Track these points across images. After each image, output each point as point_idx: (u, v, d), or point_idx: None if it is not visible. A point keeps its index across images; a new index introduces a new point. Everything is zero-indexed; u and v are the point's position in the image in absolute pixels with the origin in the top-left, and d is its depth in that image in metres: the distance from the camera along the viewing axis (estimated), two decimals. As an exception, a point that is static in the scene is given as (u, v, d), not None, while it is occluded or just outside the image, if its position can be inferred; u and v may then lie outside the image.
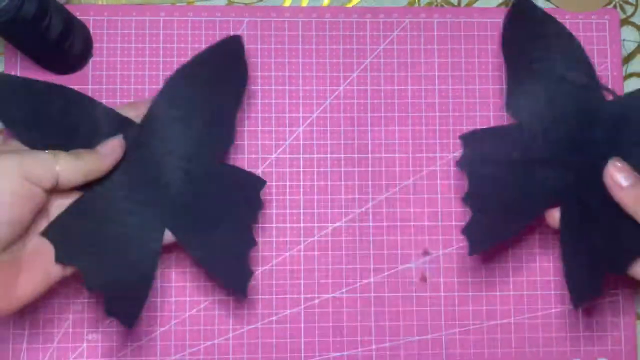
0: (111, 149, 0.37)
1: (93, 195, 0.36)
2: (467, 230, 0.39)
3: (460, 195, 0.40)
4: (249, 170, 0.41)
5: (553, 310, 0.45)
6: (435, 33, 0.46)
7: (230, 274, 0.39)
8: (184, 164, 0.38)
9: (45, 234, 0.35)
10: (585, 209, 0.37)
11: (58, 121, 0.37)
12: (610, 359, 0.45)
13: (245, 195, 0.39)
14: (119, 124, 0.37)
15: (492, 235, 0.39)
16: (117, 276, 0.37)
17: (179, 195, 0.38)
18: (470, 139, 0.39)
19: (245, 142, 0.45)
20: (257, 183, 0.39)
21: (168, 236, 0.38)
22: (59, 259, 0.35)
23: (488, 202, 0.38)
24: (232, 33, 0.45)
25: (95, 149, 0.36)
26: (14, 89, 0.36)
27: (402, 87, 0.46)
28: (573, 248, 0.37)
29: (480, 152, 0.38)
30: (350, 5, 0.47)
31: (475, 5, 0.47)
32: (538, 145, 0.37)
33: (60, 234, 0.35)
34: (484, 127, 0.42)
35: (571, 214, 0.37)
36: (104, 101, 0.44)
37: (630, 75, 0.47)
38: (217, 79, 0.39)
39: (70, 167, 0.34)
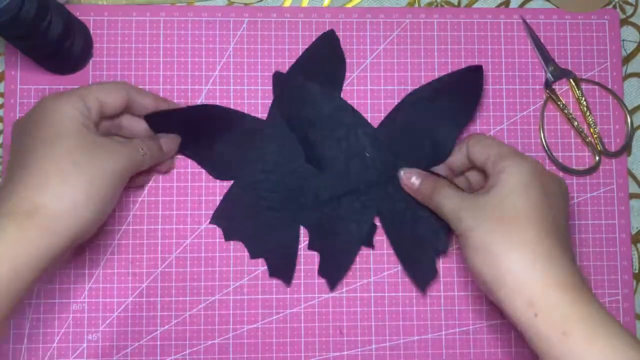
0: (173, 139, 0.43)
1: (241, 185, 0.44)
2: (321, 272, 0.44)
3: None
4: None
5: (553, 310, 0.45)
6: (436, 33, 0.46)
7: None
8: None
9: (213, 220, 0.44)
10: (395, 215, 0.43)
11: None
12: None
13: None
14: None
15: (343, 267, 0.44)
16: (273, 247, 0.44)
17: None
18: None
19: (246, 142, 0.45)
20: None
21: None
22: (228, 237, 0.44)
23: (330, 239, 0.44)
24: (232, 33, 0.46)
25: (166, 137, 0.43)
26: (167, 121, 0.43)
27: (403, 87, 0.46)
28: (404, 244, 0.44)
29: None
30: (350, 5, 0.47)
31: (475, 5, 0.47)
32: (343, 183, 0.43)
33: (224, 219, 0.44)
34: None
35: (387, 222, 0.44)
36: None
37: (630, 75, 0.47)
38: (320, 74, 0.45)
39: (154, 151, 0.41)
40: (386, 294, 0.44)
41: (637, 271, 0.46)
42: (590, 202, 0.46)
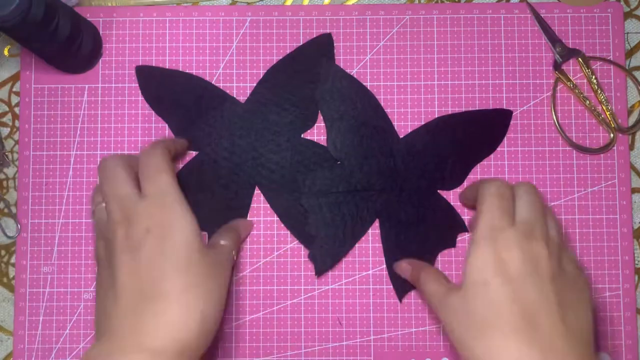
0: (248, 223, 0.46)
1: (203, 158, 0.46)
2: (311, 256, 0.45)
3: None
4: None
5: (552, 304, 0.45)
6: (435, 29, 0.47)
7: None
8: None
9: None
10: (398, 220, 0.45)
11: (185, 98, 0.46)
12: (612, 353, 0.45)
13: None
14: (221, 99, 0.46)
15: (333, 257, 0.45)
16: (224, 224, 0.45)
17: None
18: None
19: (248, 138, 0.46)
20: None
21: None
22: None
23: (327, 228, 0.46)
24: (235, 32, 0.47)
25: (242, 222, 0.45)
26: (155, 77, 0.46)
27: (402, 83, 0.46)
28: (392, 251, 0.45)
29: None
30: (350, 2, 0.47)
31: (475, 1, 0.47)
32: (357, 177, 0.45)
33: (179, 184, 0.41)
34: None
35: (384, 229, 0.45)
36: (112, 99, 0.46)
37: (634, 68, 0.47)
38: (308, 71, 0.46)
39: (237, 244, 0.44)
40: (384, 286, 0.45)
41: (638, 266, 0.46)
42: (592, 196, 0.46)
